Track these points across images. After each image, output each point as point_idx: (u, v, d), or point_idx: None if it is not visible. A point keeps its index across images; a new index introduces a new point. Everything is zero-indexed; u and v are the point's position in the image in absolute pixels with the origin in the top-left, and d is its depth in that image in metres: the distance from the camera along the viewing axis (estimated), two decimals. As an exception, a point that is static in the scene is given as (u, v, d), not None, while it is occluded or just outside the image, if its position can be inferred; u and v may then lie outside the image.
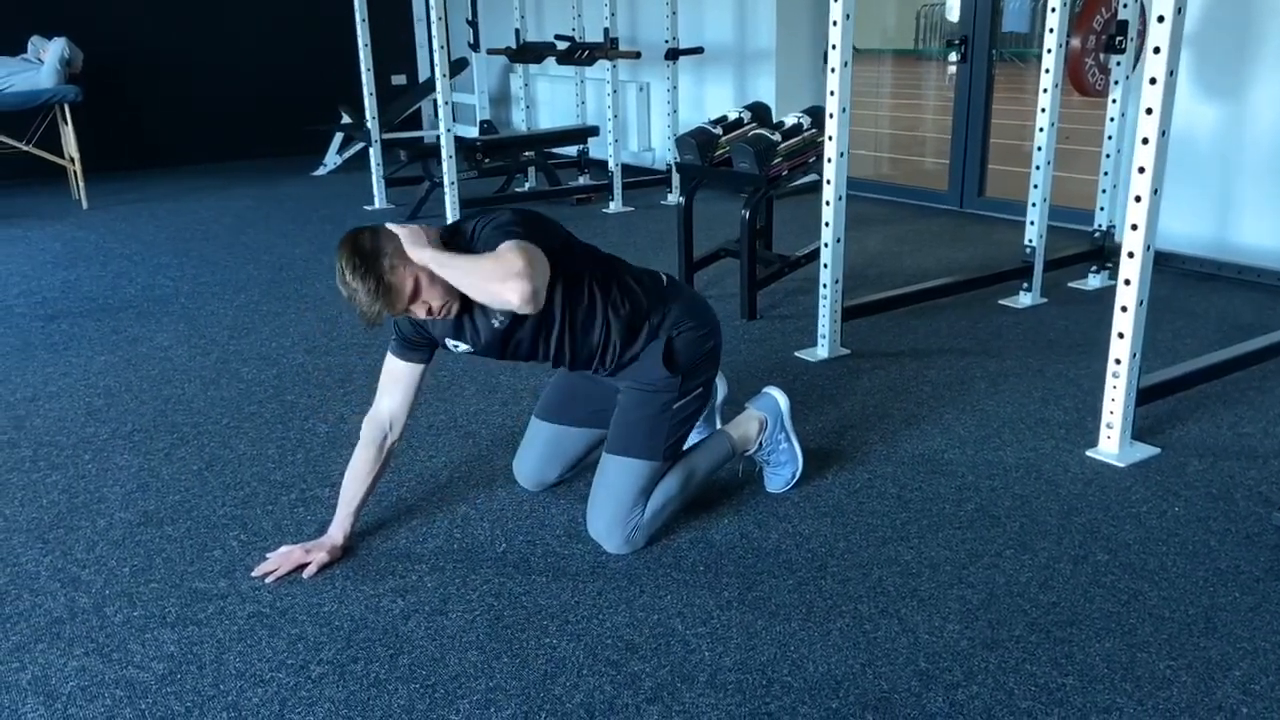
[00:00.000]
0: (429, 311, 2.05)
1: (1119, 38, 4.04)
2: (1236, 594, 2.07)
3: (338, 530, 2.29)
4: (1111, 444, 2.72)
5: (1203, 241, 4.42)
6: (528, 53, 6.78)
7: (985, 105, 5.67)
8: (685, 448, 2.38)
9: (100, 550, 2.34)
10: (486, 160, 6.21)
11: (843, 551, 2.27)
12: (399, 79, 9.05)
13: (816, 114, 3.96)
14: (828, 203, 3.37)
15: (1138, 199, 2.54)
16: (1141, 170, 2.52)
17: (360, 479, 2.29)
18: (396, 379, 2.27)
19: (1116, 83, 4.10)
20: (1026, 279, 4.09)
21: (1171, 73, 2.45)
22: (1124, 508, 2.44)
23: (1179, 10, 2.40)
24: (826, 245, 3.42)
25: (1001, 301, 4.10)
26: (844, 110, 3.26)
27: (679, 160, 4.12)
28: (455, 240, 2.08)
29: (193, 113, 8.39)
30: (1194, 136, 4.42)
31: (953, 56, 5.75)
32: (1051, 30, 3.80)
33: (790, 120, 3.93)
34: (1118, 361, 2.68)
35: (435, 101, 8.96)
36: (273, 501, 2.57)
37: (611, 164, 6.14)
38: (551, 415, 2.50)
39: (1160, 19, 2.42)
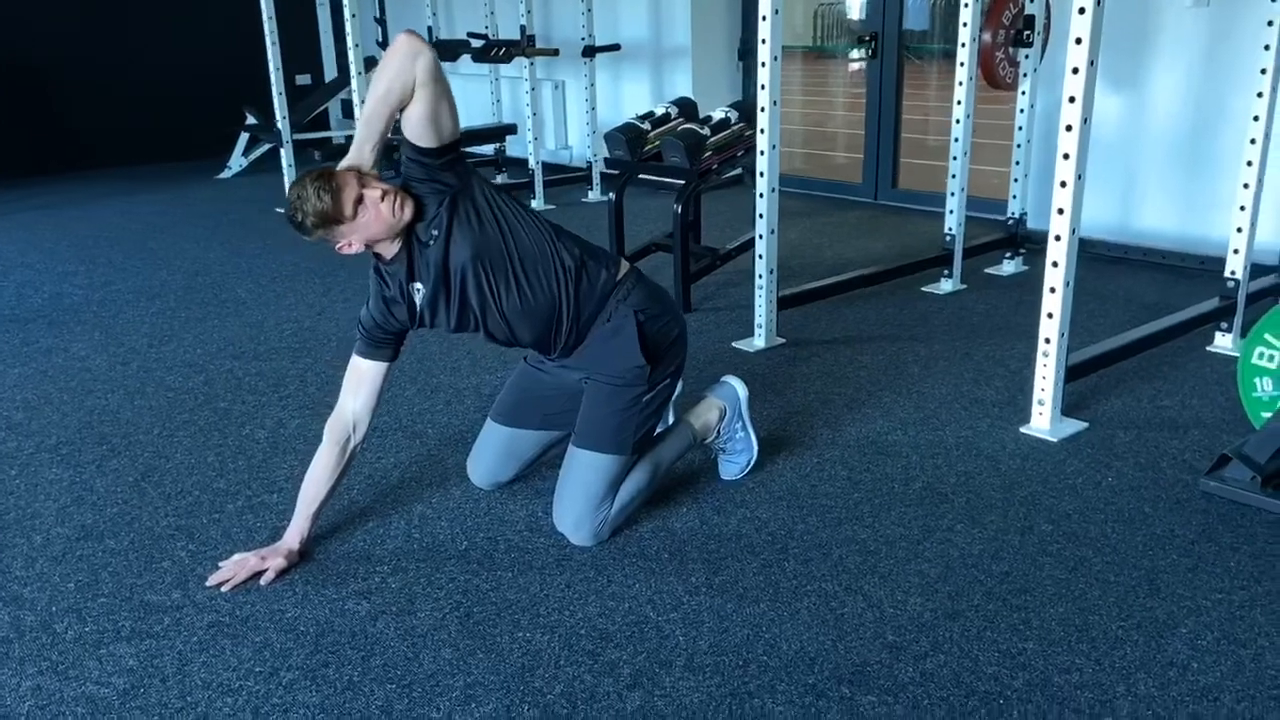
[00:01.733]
0: (383, 195, 2.08)
1: (1026, 32, 4.20)
2: (1174, 556, 2.18)
3: (295, 535, 2.25)
4: (1043, 420, 2.83)
5: (1109, 226, 4.61)
6: (441, 50, 6.68)
7: (896, 100, 5.82)
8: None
9: (40, 567, 2.25)
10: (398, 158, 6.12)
11: (801, 533, 2.32)
12: (304, 79, 8.86)
13: (743, 108, 4.02)
14: (761, 195, 3.43)
15: (1063, 184, 2.65)
16: (1066, 156, 2.63)
17: (321, 481, 2.25)
18: (361, 378, 2.25)
19: (1025, 75, 4.26)
20: (947, 267, 4.21)
21: (1092, 62, 2.56)
22: (1061, 480, 2.55)
23: (1098, 2, 2.51)
24: (761, 237, 3.47)
25: (924, 288, 4.22)
26: (774, 103, 3.32)
27: (608, 156, 4.14)
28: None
29: (90, 117, 8.07)
30: (1098, 126, 4.60)
31: (856, 53, 5.89)
32: (965, 25, 3.93)
33: (718, 115, 3.98)
34: (1047, 341, 2.79)
35: (343, 101, 8.89)
36: (218, 510, 2.50)
37: (532, 162, 6.12)
38: (507, 418, 2.49)
39: (1081, 10, 2.53)
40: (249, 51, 8.24)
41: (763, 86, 3.30)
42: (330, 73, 8.77)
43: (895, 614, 2.00)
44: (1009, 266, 4.49)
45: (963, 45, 3.95)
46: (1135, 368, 3.24)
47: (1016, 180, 4.40)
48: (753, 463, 2.58)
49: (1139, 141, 4.49)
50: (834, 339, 3.66)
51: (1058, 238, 2.70)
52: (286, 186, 6.28)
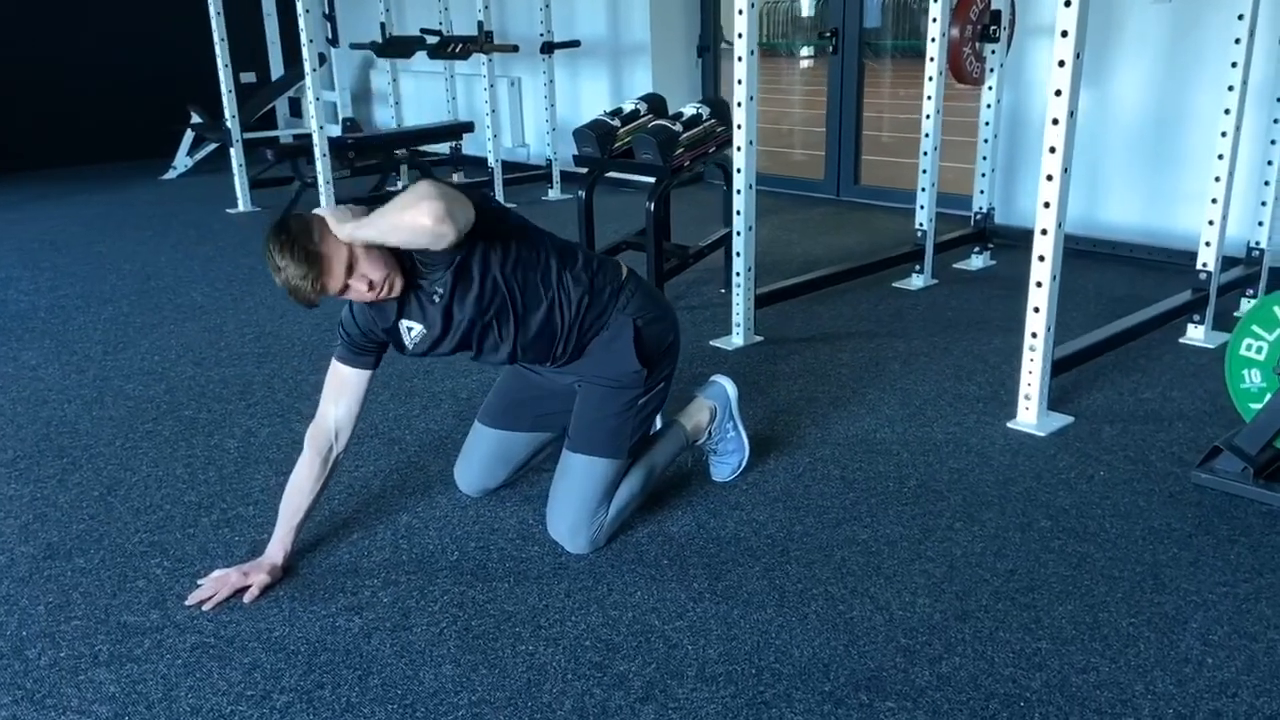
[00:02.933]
0: (370, 286, 1.95)
1: (993, 27, 4.21)
2: (1175, 550, 2.18)
3: (277, 549, 2.15)
4: (1030, 415, 2.83)
5: (1074, 220, 4.62)
6: (396, 47, 6.58)
7: (857, 97, 5.82)
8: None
9: (6, 588, 2.13)
10: (357, 159, 5.99)
11: (800, 535, 2.27)
12: (248, 77, 8.64)
13: (715, 104, 3.97)
14: (738, 191, 3.38)
15: (1049, 178, 2.64)
16: (1052, 150, 2.62)
17: (303, 492, 2.16)
18: (343, 386, 2.15)
19: (992, 70, 4.27)
20: (918, 262, 4.21)
21: (1078, 55, 2.55)
22: (1053, 475, 2.53)
23: (1085, -6, 2.50)
24: (739, 234, 3.43)
25: (895, 284, 4.22)
26: (751, 99, 3.28)
27: (577, 153, 4.07)
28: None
29: (27, 116, 7.80)
30: (1061, 121, 4.64)
31: (805, 50, 5.89)
32: (935, 20, 3.93)
33: (689, 111, 3.93)
34: (1034, 335, 2.78)
35: (289, 99, 8.69)
36: (192, 524, 2.39)
37: (491, 160, 6.02)
38: (497, 421, 2.41)
39: (1067, 3, 2.52)
40: (191, 48, 8.02)
41: (739, 81, 3.26)
42: (276, 70, 8.56)
43: (905, 616, 1.97)
44: (977, 261, 4.51)
45: (932, 40, 3.95)
46: (1113, 361, 3.25)
47: (984, 175, 4.41)
48: (745, 463, 2.54)
49: (1103, 137, 4.53)
50: (812, 336, 3.63)
51: (1044, 231, 2.69)
52: (237, 186, 6.13)
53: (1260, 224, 3.66)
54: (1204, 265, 3.42)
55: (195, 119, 7.41)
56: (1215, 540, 2.21)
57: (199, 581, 2.12)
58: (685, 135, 3.83)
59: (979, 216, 4.47)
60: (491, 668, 1.84)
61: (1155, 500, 2.39)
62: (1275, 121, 3.52)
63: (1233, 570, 2.09)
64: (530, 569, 2.16)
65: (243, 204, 6.20)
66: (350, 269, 1.92)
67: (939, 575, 2.11)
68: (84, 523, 2.40)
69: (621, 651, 1.88)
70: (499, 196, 6.07)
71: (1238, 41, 3.21)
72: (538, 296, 2.10)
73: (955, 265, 4.48)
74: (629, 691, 1.77)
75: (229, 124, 6.12)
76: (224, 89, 6.04)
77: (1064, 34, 2.54)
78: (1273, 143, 3.55)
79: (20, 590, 2.12)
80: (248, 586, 2.07)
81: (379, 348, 2.17)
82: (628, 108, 4.13)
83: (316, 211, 1.96)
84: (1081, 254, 4.53)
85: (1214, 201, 3.35)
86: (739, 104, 3.29)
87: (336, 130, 7.23)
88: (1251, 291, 3.71)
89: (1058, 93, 2.57)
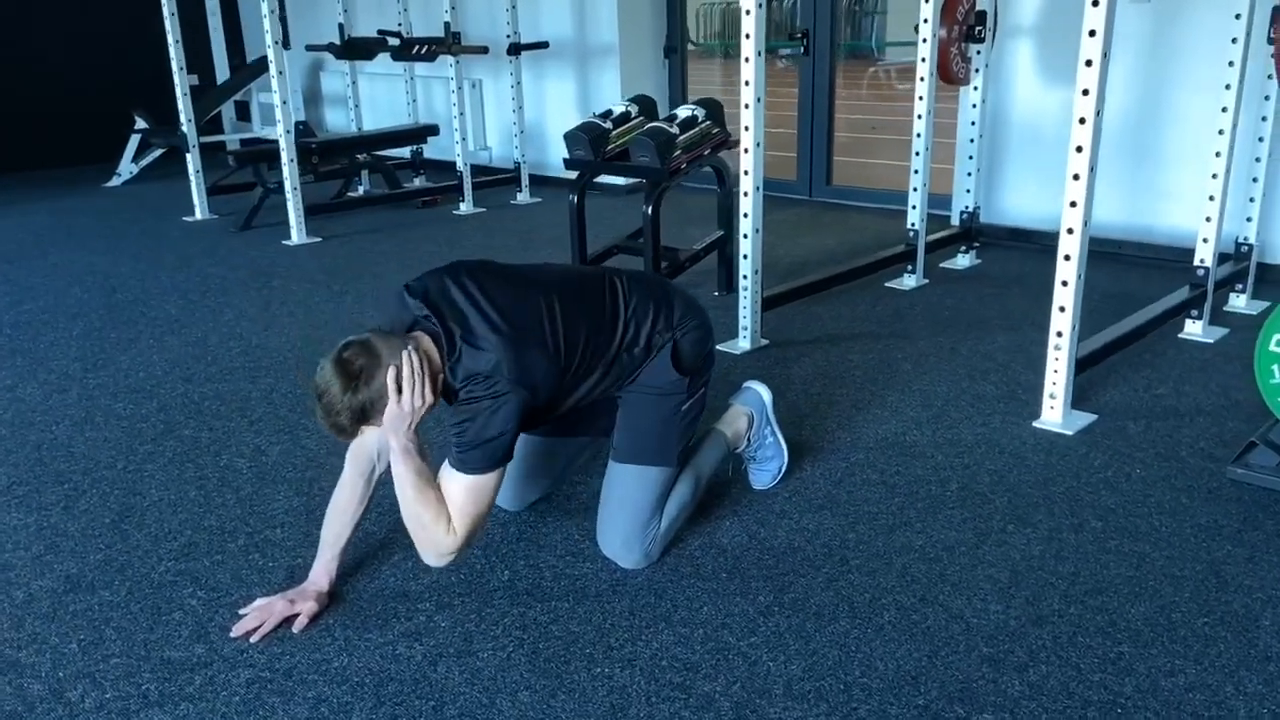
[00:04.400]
0: None
1: (979, 27, 4.23)
2: (1229, 547, 2.19)
3: (322, 575, 2.05)
4: (1055, 414, 2.83)
5: (1054, 219, 4.67)
6: (356, 49, 6.42)
7: (829, 97, 5.83)
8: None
9: (32, 627, 1.99)
10: (321, 163, 5.83)
11: (855, 543, 2.24)
12: (191, 80, 8.37)
13: (709, 105, 3.93)
14: (745, 193, 3.35)
15: (1076, 177, 2.65)
16: (1079, 149, 2.63)
17: (347, 515, 2.06)
18: (384, 403, 2.05)
19: (978, 70, 4.29)
20: (910, 262, 4.22)
21: (1106, 54, 2.56)
22: (1092, 474, 2.54)
23: (1112, -7, 2.51)
24: (746, 236, 3.39)
25: (888, 284, 4.22)
26: (759, 100, 3.24)
27: (568, 156, 3.99)
28: (461, 357, 1.90)
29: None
30: (1041, 121, 4.70)
31: (786, 50, 5.87)
32: (926, 20, 3.93)
33: (684, 112, 3.89)
34: (1059, 334, 2.78)
35: (237, 102, 8.44)
36: (219, 550, 2.27)
37: (460, 164, 5.90)
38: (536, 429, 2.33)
39: (1095, 2, 2.52)
40: (133, 50, 7.77)
41: (747, 82, 3.22)
42: (222, 73, 8.32)
43: (980, 623, 1.94)
44: (963, 261, 4.53)
45: (924, 41, 3.95)
46: (1120, 358, 3.28)
47: (970, 175, 4.44)
48: (784, 469, 2.50)
49: (1081, 135, 4.58)
50: (816, 338, 3.60)
51: (1070, 231, 2.70)
52: (194, 193, 5.93)
53: (1249, 220, 3.74)
54: (1201, 261, 3.47)
55: (140, 124, 7.16)
56: (1264, 536, 2.22)
57: (241, 612, 2.01)
58: (682, 137, 3.78)
59: (965, 216, 4.49)
60: (570, 693, 1.77)
61: (1197, 497, 2.40)
62: (1263, 119, 3.59)
63: (1290, 565, 2.11)
64: (588, 587, 2.09)
65: (200, 212, 5.98)
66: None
67: (1004, 580, 2.08)
68: (100, 552, 2.27)
69: (701, 671, 1.82)
70: (469, 201, 5.96)
71: (1234, 41, 3.26)
72: (600, 388, 2.11)
73: (942, 265, 4.49)
74: (718, 713, 1.71)
75: (185, 129, 5.91)
76: (179, 92, 5.83)
77: (1091, 33, 2.54)
78: (1260, 140, 3.62)
79: (47, 628, 1.99)
80: (295, 615, 1.97)
81: None
82: (618, 109, 4.07)
83: (389, 379, 1.84)
84: (1065, 251, 4.57)
85: (1211, 199, 3.40)
86: (746, 105, 3.25)
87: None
88: (1241, 286, 3.79)
89: (1085, 92, 2.58)
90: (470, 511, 1.90)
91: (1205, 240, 3.45)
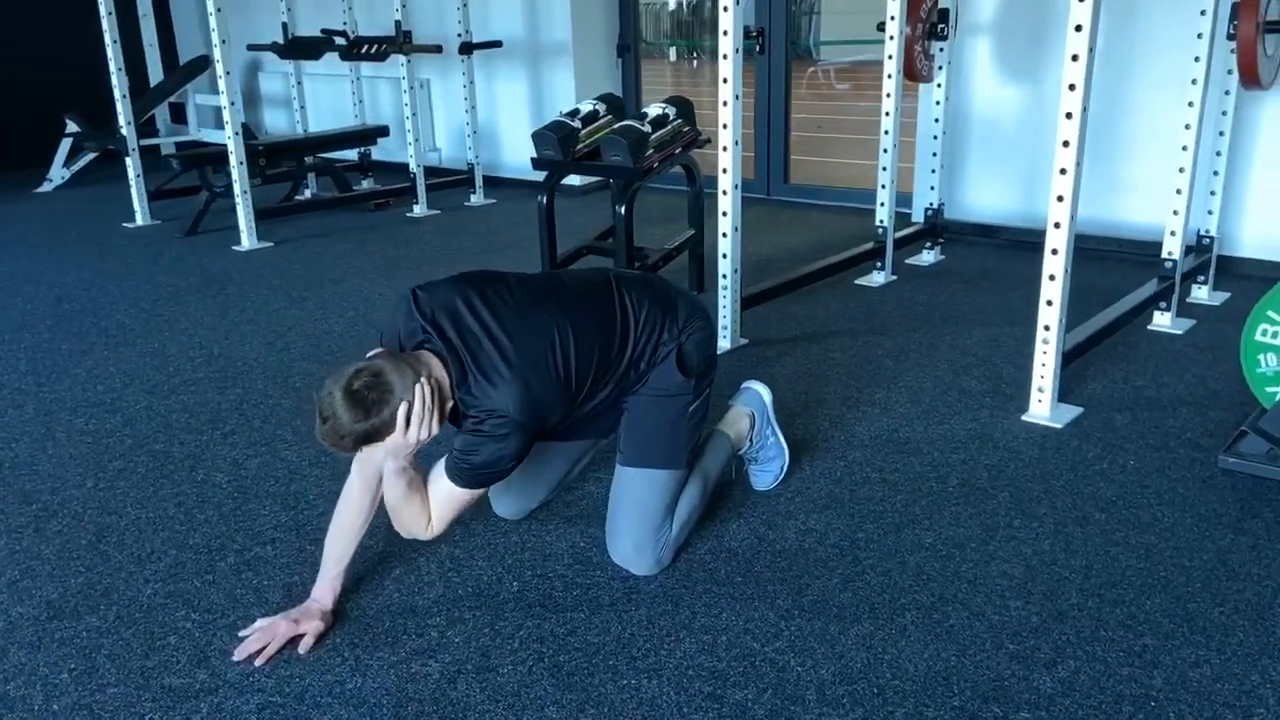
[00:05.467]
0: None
1: (941, 25, 4.26)
2: (1231, 535, 2.21)
3: (327, 592, 1.97)
4: (1043, 407, 2.85)
5: (1015, 214, 4.75)
6: (301, 48, 6.26)
7: (785, 96, 5.84)
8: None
9: (17, 657, 1.88)
10: (268, 166, 5.66)
11: (865, 543, 2.22)
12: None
13: (681, 104, 3.90)
14: (724, 192, 3.32)
15: (1063, 171, 2.67)
16: (1066, 144, 2.65)
17: (354, 529, 1.99)
18: (392, 414, 1.97)
19: (941, 68, 4.32)
20: (879, 259, 4.23)
21: (1092, 49, 2.58)
22: (1087, 466, 2.55)
23: (1099, -14, 2.53)
24: (725, 235, 3.36)
25: (858, 281, 4.22)
26: (737, 97, 3.21)
27: (537, 156, 3.93)
28: (466, 376, 1.86)
29: None
30: (1001, 118, 4.75)
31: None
32: (893, 18, 3.94)
33: (654, 111, 3.85)
34: (1047, 328, 2.80)
35: (170, 105, 8.18)
36: (209, 570, 2.17)
37: (413, 165, 5.78)
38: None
39: (1081, -1, 2.54)
40: (63, 53, 7.50)
41: (725, 80, 3.19)
42: (156, 75, 8.06)
43: (1003, 621, 1.93)
44: (928, 257, 4.56)
45: (891, 38, 3.96)
46: (1096, 351, 3.31)
47: (934, 172, 4.47)
48: (785, 469, 2.47)
49: (1040, 130, 4.64)
50: (795, 336, 3.59)
51: (1057, 225, 2.71)
52: (134, 198, 5.71)
53: (1210, 213, 3.81)
54: (1169, 254, 3.53)
55: (72, 128, 6.91)
56: (1264, 524, 2.25)
57: (241, 634, 1.92)
58: (655, 136, 3.74)
59: (930, 212, 4.52)
60: (599, 706, 1.72)
61: (1193, 487, 2.43)
62: (1223, 114, 3.67)
63: (1293, 552, 2.13)
64: (601, 596, 2.04)
65: (142, 217, 5.77)
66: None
67: (1019, 576, 2.08)
68: (81, 575, 2.16)
69: (730, 679, 1.78)
70: (423, 203, 5.85)
71: (1200, 37, 3.32)
72: (607, 403, 2.09)
73: (908, 261, 4.51)
74: (755, 721, 1.68)
75: (124, 131, 5.69)
76: (117, 94, 5.62)
77: (1078, 28, 2.56)
78: (1220, 134, 3.70)
79: (34, 658, 1.87)
80: (300, 636, 1.89)
81: None
82: (585, 108, 4.01)
83: (400, 409, 1.78)
84: (1023, 245, 4.60)
85: (1178, 193, 3.46)
86: (724, 103, 3.22)
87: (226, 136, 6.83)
88: (1203, 278, 3.86)
89: (1071, 87, 2.60)
90: (451, 516, 1.98)
91: (1173, 233, 3.50)
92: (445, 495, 1.93)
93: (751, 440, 2.42)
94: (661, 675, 1.79)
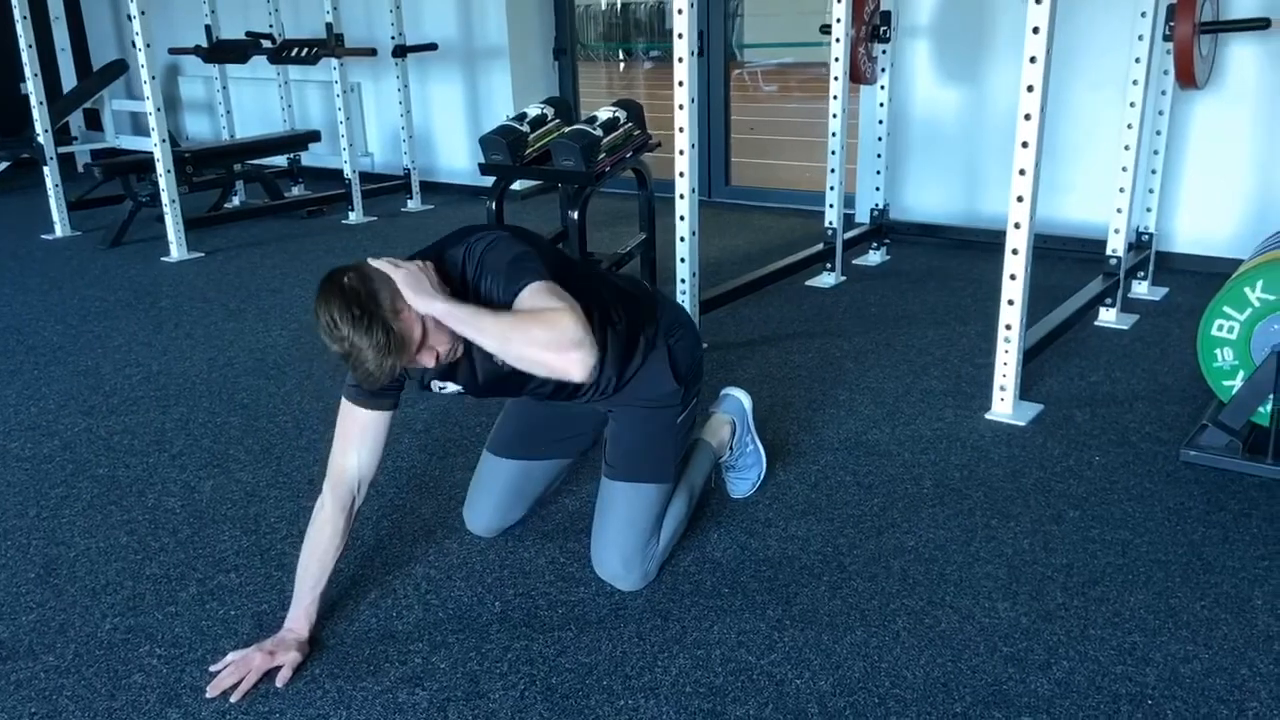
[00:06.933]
0: (437, 359, 1.73)
1: (884, 28, 4.30)
2: (1201, 529, 2.25)
3: (302, 621, 1.88)
4: (1006, 405, 2.87)
5: (956, 213, 4.81)
6: (226, 52, 6.08)
7: (725, 99, 5.84)
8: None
9: (-31, 705, 1.76)
10: (195, 173, 5.48)
11: (847, 548, 2.20)
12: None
13: (631, 107, 3.86)
14: (681, 196, 3.29)
15: (1022, 172, 2.69)
16: (1025, 145, 2.67)
17: (325, 555, 1.90)
18: (363, 431, 1.89)
19: (884, 70, 4.35)
20: (829, 260, 4.24)
21: (1049, 51, 2.60)
22: (1054, 463, 2.58)
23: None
24: (683, 239, 3.33)
25: (808, 283, 4.23)
26: (693, 100, 3.18)
27: (484, 161, 3.85)
28: (446, 274, 1.75)
29: None
30: (941, 119, 4.80)
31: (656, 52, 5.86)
32: (839, 20, 3.96)
33: (604, 114, 3.80)
34: (1008, 327, 2.83)
35: (85, 110, 7.87)
36: (170, 601, 2.07)
37: (348, 171, 5.64)
38: (511, 450, 2.21)
39: (1039, 0, 2.56)
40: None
41: (680, 83, 3.16)
42: (69, 81, 7.75)
43: (993, 623, 1.93)
44: (875, 257, 4.59)
45: (836, 40, 3.98)
46: (1050, 348, 3.36)
47: (878, 173, 4.50)
48: (763, 476, 2.45)
49: (980, 131, 4.70)
50: (752, 340, 3.58)
51: (1017, 225, 2.74)
52: (53, 209, 5.48)
53: (1149, 210, 3.90)
54: (1114, 251, 3.60)
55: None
56: (1231, 516, 2.29)
57: (212, 669, 1.82)
58: (606, 139, 3.70)
59: (875, 213, 4.55)
60: (598, 730, 1.67)
61: (1158, 481, 2.47)
62: (1160, 113, 3.75)
63: (1264, 544, 2.17)
64: (587, 613, 1.99)
65: (61, 228, 5.54)
66: (423, 340, 1.67)
67: (1003, 576, 2.08)
68: (32, 611, 2.03)
69: (729, 694, 1.75)
70: (358, 209, 5.72)
71: (1141, 38, 3.39)
72: None
73: (855, 262, 4.54)
74: (759, 738, 1.64)
75: (40, 139, 5.46)
76: (34, 101, 5.39)
77: (1035, 30, 2.59)
78: (1158, 133, 3.79)
79: (-12, 705, 1.76)
80: (276, 668, 1.80)
81: (399, 385, 1.93)
82: (533, 112, 3.95)
83: (374, 265, 1.67)
84: (964, 244, 4.68)
85: (1121, 191, 3.53)
86: (680, 106, 3.18)
87: (147, 143, 6.59)
88: (1143, 274, 3.95)
89: (1030, 88, 2.62)
90: (558, 303, 1.65)
91: (1117, 231, 3.57)
92: (531, 301, 1.67)
93: (732, 448, 2.39)
94: (659, 694, 1.75)
